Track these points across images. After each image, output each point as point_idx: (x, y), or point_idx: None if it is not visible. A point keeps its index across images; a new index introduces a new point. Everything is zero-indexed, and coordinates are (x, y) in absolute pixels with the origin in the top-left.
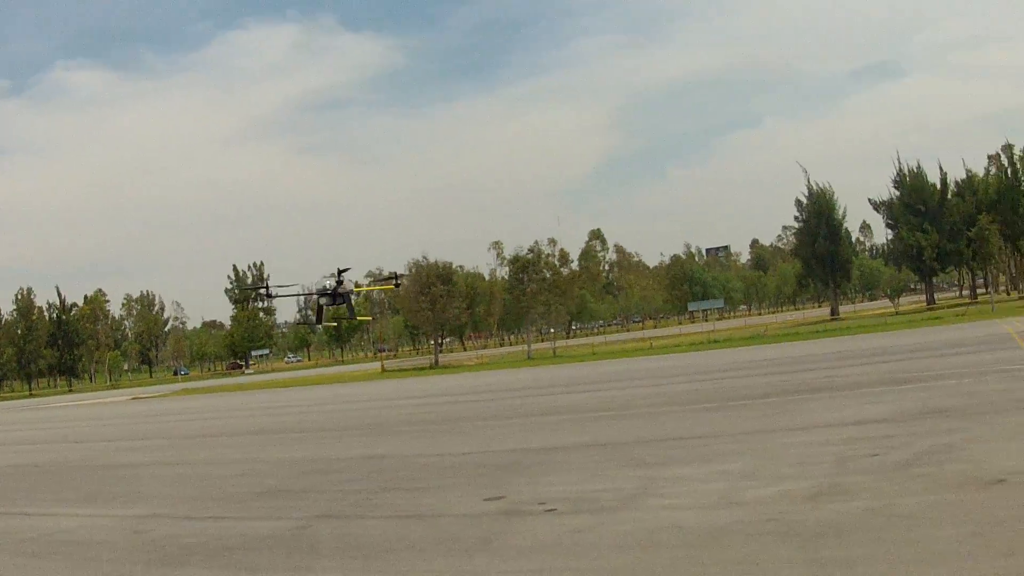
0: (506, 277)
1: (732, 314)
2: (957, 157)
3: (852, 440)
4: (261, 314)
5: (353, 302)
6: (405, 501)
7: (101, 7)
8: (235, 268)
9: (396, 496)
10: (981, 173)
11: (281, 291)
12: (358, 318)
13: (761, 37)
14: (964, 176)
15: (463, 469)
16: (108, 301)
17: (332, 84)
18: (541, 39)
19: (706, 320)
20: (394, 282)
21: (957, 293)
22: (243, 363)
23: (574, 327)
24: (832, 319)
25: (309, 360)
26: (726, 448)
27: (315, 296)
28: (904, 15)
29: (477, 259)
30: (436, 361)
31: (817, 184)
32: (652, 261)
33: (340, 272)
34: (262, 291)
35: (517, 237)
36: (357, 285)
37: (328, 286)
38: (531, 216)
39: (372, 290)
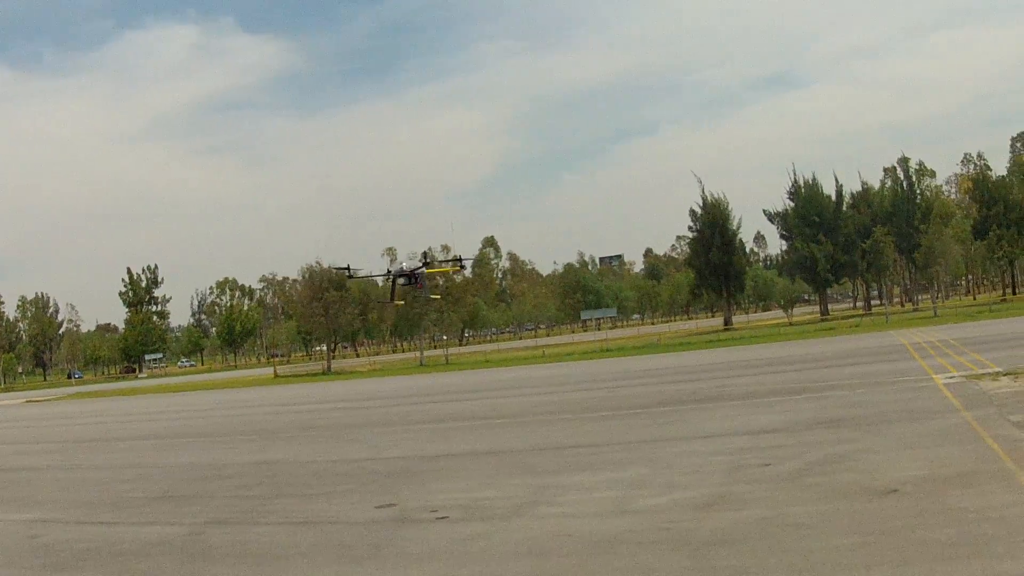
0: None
1: (625, 323)
2: (853, 168)
3: (745, 450)
4: (155, 318)
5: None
6: (297, 507)
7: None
8: (129, 271)
9: (288, 502)
10: (877, 185)
11: (360, 273)
12: (431, 296)
13: (659, 45)
14: (860, 188)
15: (355, 476)
16: (2, 302)
17: (231, 86)
18: (441, 43)
19: (599, 329)
20: (459, 263)
21: (851, 304)
22: (137, 367)
23: (467, 334)
24: (725, 329)
25: (202, 364)
26: (618, 456)
27: (392, 275)
28: (801, 24)
29: (371, 264)
30: (329, 367)
31: (712, 194)
32: (546, 269)
33: (425, 256)
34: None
35: (413, 242)
36: (429, 267)
37: (405, 267)
38: (428, 221)
39: (439, 272)
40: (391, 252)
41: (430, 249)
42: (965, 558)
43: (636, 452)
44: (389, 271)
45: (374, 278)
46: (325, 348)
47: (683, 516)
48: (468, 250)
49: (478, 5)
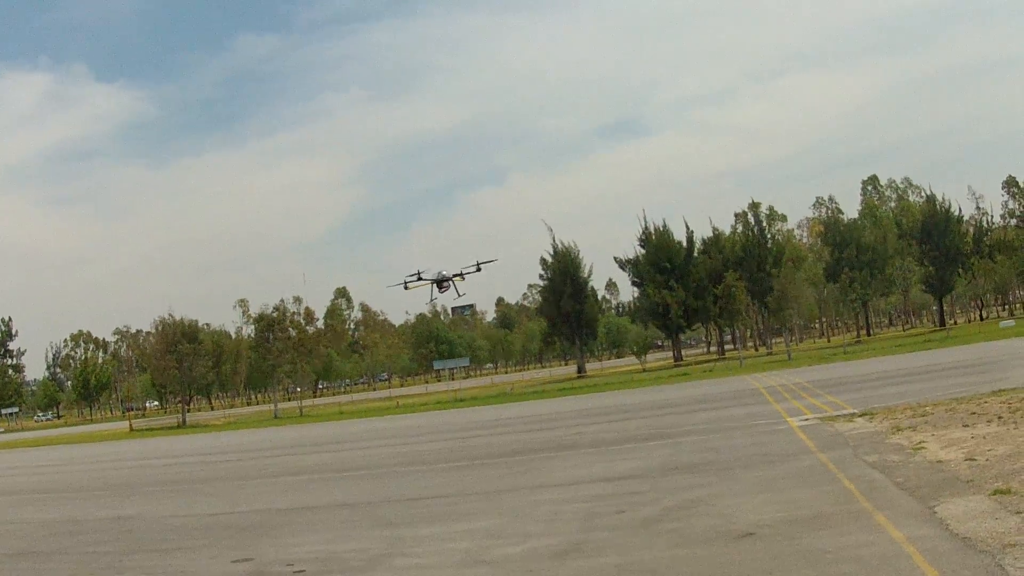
0: (252, 335)
1: (479, 372)
2: (704, 214)
3: (599, 497)
4: (10, 371)
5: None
6: (154, 563)
7: None
8: None
9: (145, 558)
10: (727, 230)
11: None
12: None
13: (504, 94)
14: (711, 233)
15: (212, 530)
16: None
17: (82, 135)
18: (288, 93)
19: (452, 379)
20: (476, 265)
21: (705, 349)
22: None
23: (321, 386)
24: (579, 377)
25: (59, 419)
26: (473, 507)
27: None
28: (645, 73)
29: (224, 317)
30: (184, 420)
31: (562, 242)
32: (398, 320)
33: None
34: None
35: (264, 294)
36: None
37: (445, 272)
38: (278, 272)
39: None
40: (243, 304)
41: (282, 301)
42: None
43: (491, 502)
44: (420, 275)
45: (422, 283)
46: (179, 401)
47: (539, 565)
48: (320, 302)
49: (325, 55)
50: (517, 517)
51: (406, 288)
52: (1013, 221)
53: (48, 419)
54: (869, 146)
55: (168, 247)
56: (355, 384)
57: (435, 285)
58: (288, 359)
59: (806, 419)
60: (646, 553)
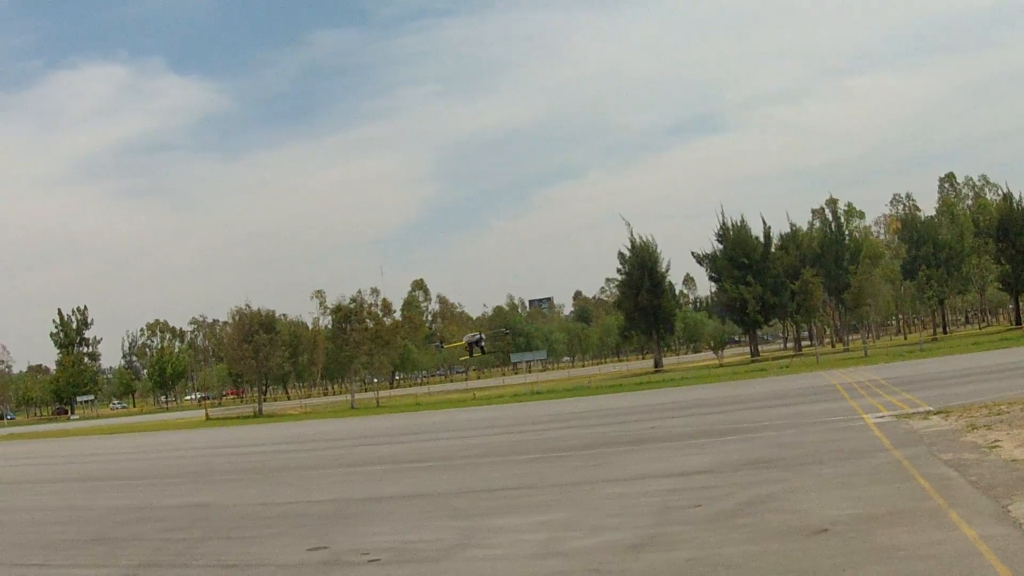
0: (329, 326)
1: (555, 366)
2: (781, 210)
3: (674, 491)
4: (86, 359)
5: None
6: (228, 550)
7: None
8: (60, 313)
9: (219, 545)
10: (805, 227)
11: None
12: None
13: (582, 89)
14: (788, 230)
15: (286, 519)
16: None
17: (158, 128)
18: (365, 87)
19: (529, 371)
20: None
21: (782, 345)
22: (69, 409)
23: (397, 377)
24: (655, 371)
25: (134, 407)
26: (547, 499)
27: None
28: (721, 70)
29: (300, 307)
30: (260, 410)
31: (640, 237)
32: (475, 312)
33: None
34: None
35: (340, 286)
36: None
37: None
38: (354, 264)
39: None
40: (320, 295)
41: (359, 292)
42: None
43: (565, 494)
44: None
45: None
46: (256, 391)
47: (612, 558)
48: (397, 294)
49: (401, 50)
50: (591, 510)
51: (441, 348)
52: None
53: (123, 407)
54: (945, 143)
55: (243, 239)
56: (432, 376)
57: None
58: (365, 350)
59: (881, 416)
60: (720, 548)
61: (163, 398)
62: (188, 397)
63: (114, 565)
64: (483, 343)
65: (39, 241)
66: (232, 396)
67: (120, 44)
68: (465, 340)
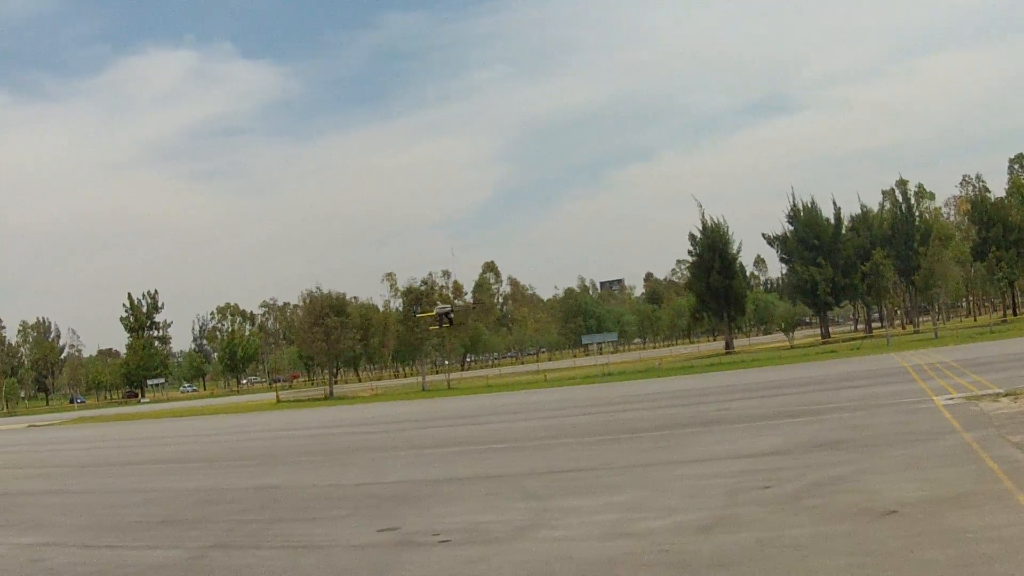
0: (400, 309)
1: (626, 347)
2: (851, 191)
3: (744, 472)
4: (156, 343)
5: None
6: (299, 532)
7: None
8: (130, 297)
9: (290, 526)
10: (875, 208)
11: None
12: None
13: (653, 70)
14: (858, 211)
15: (356, 500)
16: (3, 328)
17: (227, 111)
18: (435, 70)
19: (600, 353)
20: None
21: (852, 327)
22: (139, 392)
23: (469, 359)
24: (726, 352)
25: (204, 389)
26: (618, 480)
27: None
28: (790, 51)
29: (370, 290)
30: (331, 392)
31: (711, 218)
32: (546, 294)
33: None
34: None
35: (411, 268)
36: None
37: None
38: (424, 247)
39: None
40: (391, 277)
41: (430, 275)
42: None
43: (636, 475)
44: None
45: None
46: (327, 373)
47: (682, 539)
48: (468, 276)
49: (471, 32)
50: (661, 491)
51: (416, 315)
52: None
53: (193, 390)
54: (1015, 123)
55: (313, 222)
56: (503, 358)
57: (441, 318)
58: (436, 332)
59: (951, 398)
60: (789, 529)
61: (234, 381)
62: (244, 381)
63: (184, 546)
64: (451, 314)
65: (109, 225)
66: (295, 380)
67: (188, 29)
68: (436, 311)
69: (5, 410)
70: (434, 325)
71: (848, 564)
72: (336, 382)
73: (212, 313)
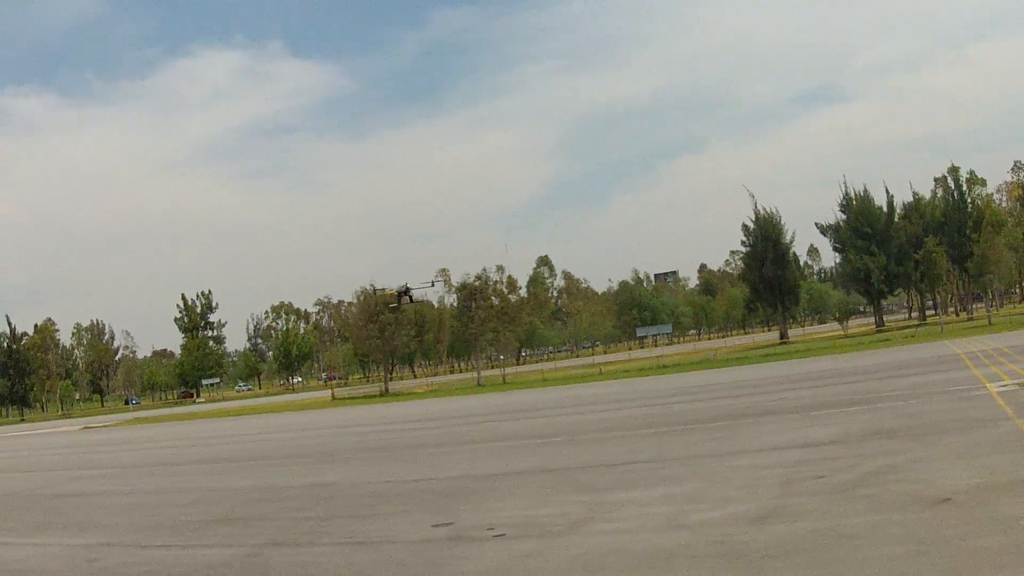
0: (454, 304)
1: (681, 339)
2: (903, 180)
3: (798, 462)
4: (211, 343)
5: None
6: (354, 528)
7: (49, 33)
8: (183, 297)
9: (345, 523)
10: (927, 196)
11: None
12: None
13: (702, 62)
14: (911, 199)
15: (412, 496)
16: (58, 330)
17: (278, 110)
18: (486, 65)
19: (655, 345)
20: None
21: (906, 315)
22: (194, 392)
23: (524, 354)
24: (781, 343)
25: (260, 388)
26: (673, 472)
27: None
28: (841, 40)
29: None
30: (386, 389)
31: (764, 208)
32: (600, 287)
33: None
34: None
35: (464, 263)
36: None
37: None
38: (478, 241)
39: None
40: (444, 273)
41: (484, 270)
42: (1018, 566)
43: (691, 467)
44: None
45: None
46: (382, 370)
47: (738, 530)
48: (522, 270)
49: (521, 26)
50: (716, 482)
51: (375, 292)
52: None
53: (248, 389)
54: None
55: (366, 218)
56: (558, 351)
57: (400, 295)
58: (491, 327)
59: (1005, 385)
60: (843, 519)
61: (290, 379)
62: (297, 379)
63: (240, 545)
64: (410, 292)
65: (162, 226)
66: (332, 379)
67: (237, 29)
68: (395, 290)
69: (60, 412)
70: (394, 303)
71: (902, 553)
72: (391, 379)
73: (266, 312)
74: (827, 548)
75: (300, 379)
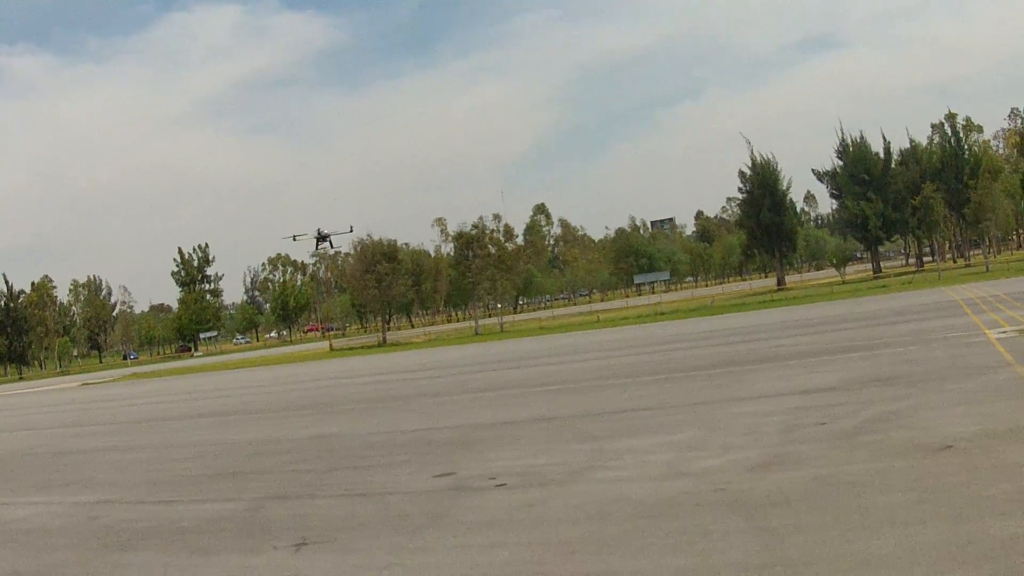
0: (451, 254)
1: (678, 286)
2: (899, 126)
3: (799, 409)
4: (208, 296)
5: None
6: (355, 479)
7: None
8: (180, 251)
9: (346, 475)
10: (924, 142)
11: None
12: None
13: (699, 10)
14: (907, 145)
15: (412, 446)
16: (55, 287)
17: (276, 64)
18: (482, 15)
19: (652, 292)
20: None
21: (903, 262)
22: (192, 346)
23: (521, 302)
24: (778, 289)
25: (258, 341)
26: (673, 419)
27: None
28: None
29: (422, 236)
30: (384, 339)
31: (761, 155)
32: (597, 235)
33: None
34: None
35: (462, 213)
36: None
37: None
38: (476, 192)
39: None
40: (441, 223)
41: (481, 219)
42: (1020, 513)
43: (691, 414)
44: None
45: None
46: (379, 320)
47: (739, 477)
48: (519, 219)
49: None
50: (717, 429)
51: (295, 239)
52: None
53: (246, 342)
54: None
55: (364, 170)
56: (555, 300)
57: (317, 240)
58: (488, 276)
59: (1004, 331)
60: (845, 466)
61: (285, 332)
62: (270, 336)
63: (240, 498)
64: (329, 237)
65: (160, 182)
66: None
67: None
68: (314, 235)
69: (59, 369)
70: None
71: (905, 500)
72: (389, 329)
73: (263, 264)
74: (829, 495)
75: (274, 334)
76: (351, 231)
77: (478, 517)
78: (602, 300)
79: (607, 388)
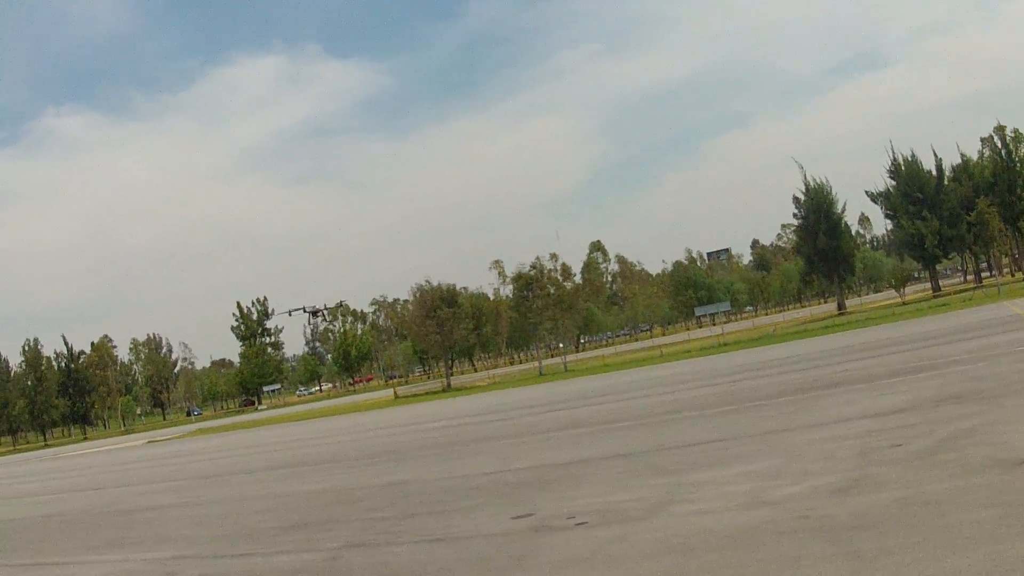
0: (510, 295)
1: (739, 316)
2: (948, 142)
3: (873, 432)
4: (269, 349)
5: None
6: (433, 525)
7: (88, 51)
8: (239, 305)
9: (423, 521)
10: (975, 156)
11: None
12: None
13: (737, 38)
14: (959, 161)
15: (488, 489)
16: (115, 346)
17: (320, 112)
18: (523, 53)
19: (714, 324)
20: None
21: (962, 278)
22: (255, 399)
23: (583, 340)
24: (839, 314)
25: (322, 391)
26: (747, 449)
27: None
28: (875, 5)
29: (479, 278)
30: (448, 384)
31: (814, 179)
32: (654, 269)
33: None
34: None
35: (516, 253)
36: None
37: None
38: (528, 231)
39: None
40: (498, 264)
41: (538, 259)
42: None
43: (765, 443)
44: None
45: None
46: (443, 366)
47: (820, 503)
48: (575, 257)
49: (556, 13)
50: (793, 457)
51: (290, 315)
52: None
53: (310, 393)
54: None
55: (415, 215)
56: (617, 336)
57: (311, 314)
58: (549, 316)
59: None
60: (925, 486)
61: (348, 380)
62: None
63: (318, 549)
64: (320, 312)
65: (213, 236)
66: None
67: (274, 34)
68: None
69: (123, 428)
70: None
71: (990, 516)
72: (452, 373)
73: (323, 315)
74: (913, 516)
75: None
76: (340, 305)
77: (561, 556)
78: (664, 334)
79: (677, 422)
